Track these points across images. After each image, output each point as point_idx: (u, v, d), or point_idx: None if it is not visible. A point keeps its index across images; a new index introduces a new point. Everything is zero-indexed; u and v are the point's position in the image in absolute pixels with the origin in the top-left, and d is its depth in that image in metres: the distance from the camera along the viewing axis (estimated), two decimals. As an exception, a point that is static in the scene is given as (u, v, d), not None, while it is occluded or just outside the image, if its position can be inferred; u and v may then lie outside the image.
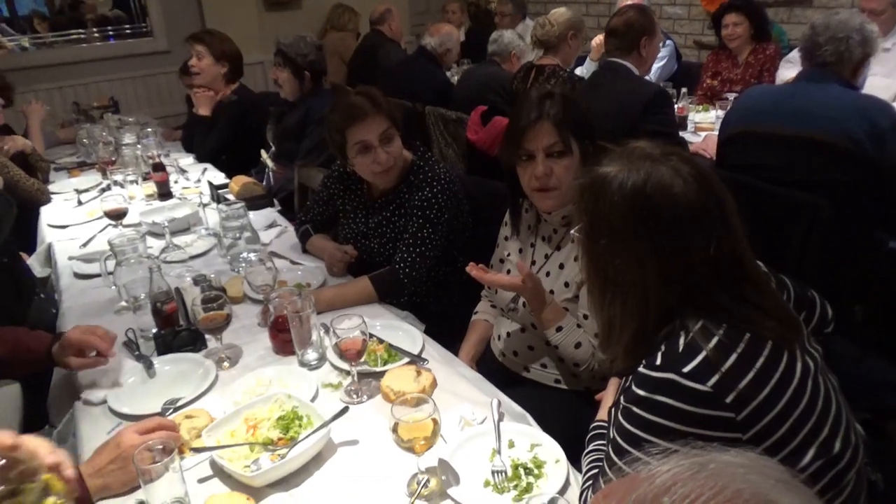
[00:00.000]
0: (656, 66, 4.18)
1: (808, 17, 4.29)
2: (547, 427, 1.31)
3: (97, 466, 1.17)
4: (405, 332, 1.65)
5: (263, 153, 3.12)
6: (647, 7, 2.95)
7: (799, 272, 2.11)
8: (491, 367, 1.73)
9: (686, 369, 0.88)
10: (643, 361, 0.94)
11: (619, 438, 0.95)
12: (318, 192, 2.25)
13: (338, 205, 2.14)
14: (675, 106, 3.45)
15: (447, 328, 1.87)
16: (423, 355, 1.57)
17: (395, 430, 1.13)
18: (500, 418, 1.32)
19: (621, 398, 0.98)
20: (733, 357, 0.88)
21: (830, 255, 2.13)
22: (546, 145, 1.54)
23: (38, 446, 0.93)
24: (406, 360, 1.53)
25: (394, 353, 1.56)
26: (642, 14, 2.79)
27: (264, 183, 3.04)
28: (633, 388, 0.93)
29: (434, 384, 1.44)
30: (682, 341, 0.91)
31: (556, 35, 3.27)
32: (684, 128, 3.34)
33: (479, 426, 1.31)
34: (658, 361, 0.92)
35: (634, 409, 0.92)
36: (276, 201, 2.77)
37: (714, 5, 4.43)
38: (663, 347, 0.93)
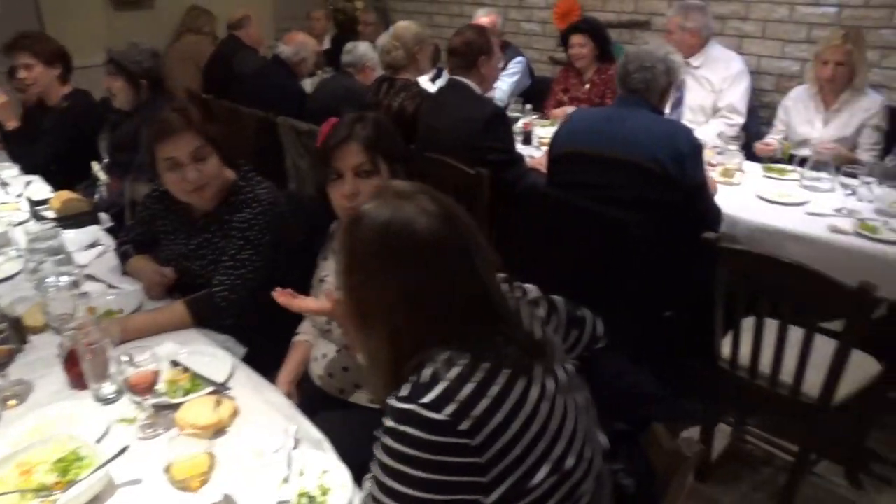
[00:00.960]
0: (510, 80, 4.36)
1: (647, 38, 4.61)
2: (354, 449, 1.32)
3: None
4: (214, 358, 1.61)
5: (95, 165, 2.94)
6: (485, 28, 3.07)
7: (622, 283, 2.29)
8: (308, 391, 1.73)
9: (425, 400, 0.93)
10: (393, 393, 0.98)
11: (375, 467, 0.98)
12: (138, 211, 2.16)
13: (158, 225, 2.05)
14: (521, 121, 3.62)
15: (277, 350, 1.86)
16: (232, 382, 1.54)
17: (167, 470, 1.11)
18: (295, 445, 1.32)
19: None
20: (470, 386, 0.94)
21: (647, 268, 2.32)
22: (354, 164, 1.58)
23: None
24: (210, 388, 1.50)
25: (198, 381, 1.52)
26: (479, 34, 2.90)
27: (96, 197, 2.87)
28: (384, 418, 0.97)
29: (235, 413, 1.42)
30: (427, 372, 0.96)
31: (403, 57, 3.32)
32: (529, 142, 3.50)
33: (272, 455, 1.31)
34: (403, 393, 0.96)
35: (384, 438, 0.96)
36: (104, 218, 2.62)
37: (564, 24, 4.67)
38: (412, 379, 0.97)
